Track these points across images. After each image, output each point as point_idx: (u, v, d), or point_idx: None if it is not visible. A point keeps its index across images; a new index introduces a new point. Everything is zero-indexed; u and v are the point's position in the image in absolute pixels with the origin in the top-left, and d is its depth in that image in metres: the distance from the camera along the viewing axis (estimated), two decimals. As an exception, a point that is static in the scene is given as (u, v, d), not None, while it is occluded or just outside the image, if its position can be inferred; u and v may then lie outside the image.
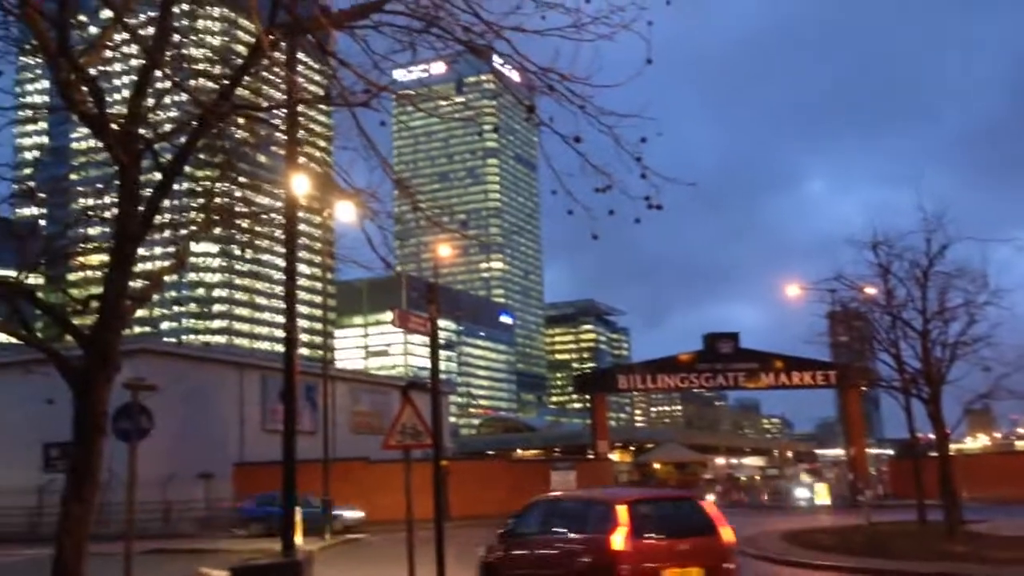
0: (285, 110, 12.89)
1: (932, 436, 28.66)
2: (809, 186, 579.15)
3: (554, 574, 13.04)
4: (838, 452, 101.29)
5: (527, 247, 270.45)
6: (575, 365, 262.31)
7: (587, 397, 68.15)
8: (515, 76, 8.67)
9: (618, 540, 11.93)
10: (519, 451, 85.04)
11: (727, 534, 12.70)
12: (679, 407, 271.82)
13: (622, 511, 12.25)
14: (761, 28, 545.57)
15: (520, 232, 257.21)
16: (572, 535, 13.03)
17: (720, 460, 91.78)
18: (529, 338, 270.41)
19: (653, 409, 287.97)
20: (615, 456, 71.33)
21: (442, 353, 21.39)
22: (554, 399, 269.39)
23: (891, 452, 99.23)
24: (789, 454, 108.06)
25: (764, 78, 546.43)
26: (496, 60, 8.58)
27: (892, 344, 27.38)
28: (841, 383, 54.28)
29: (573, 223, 8.52)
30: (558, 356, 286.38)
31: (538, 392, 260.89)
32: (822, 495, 51.68)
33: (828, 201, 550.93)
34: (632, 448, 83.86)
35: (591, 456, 57.07)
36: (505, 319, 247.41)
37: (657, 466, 69.97)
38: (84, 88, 9.42)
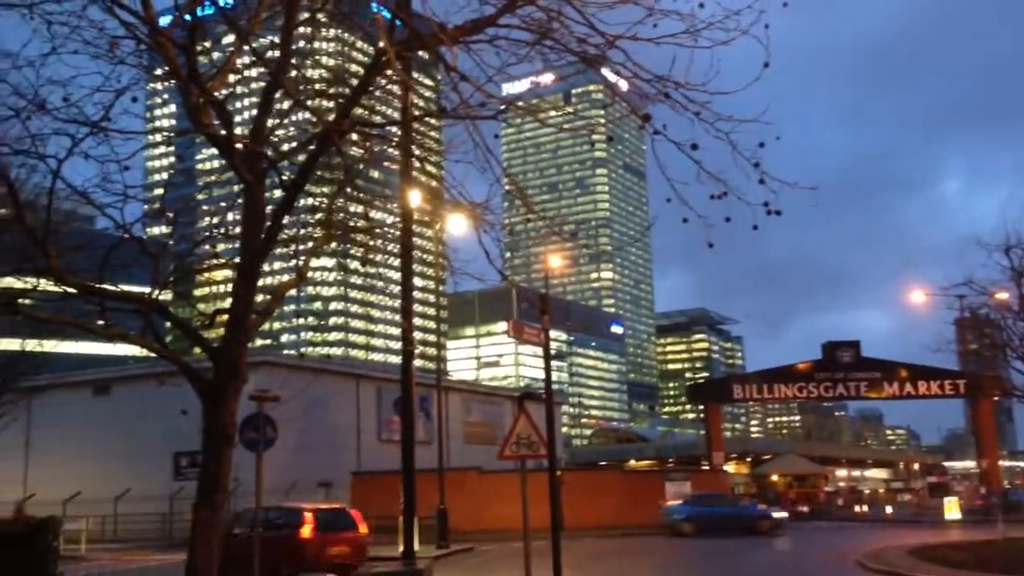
0: (399, 126, 13.16)
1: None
2: (943, 186, 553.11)
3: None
4: (968, 464, 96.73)
5: (637, 256, 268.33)
6: (687, 375, 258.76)
7: (701, 407, 67.11)
8: (624, 85, 8.61)
9: (306, 532, 20.71)
10: (632, 462, 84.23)
11: (363, 529, 22.05)
12: (797, 418, 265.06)
13: (308, 515, 21.18)
14: (890, 22, 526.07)
15: (630, 241, 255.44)
16: (278, 530, 20.24)
17: (841, 472, 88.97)
18: (640, 348, 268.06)
19: (769, 420, 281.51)
20: (731, 467, 69.91)
21: (554, 363, 21.44)
22: (666, 409, 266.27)
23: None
24: (915, 466, 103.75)
25: (894, 74, 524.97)
26: (606, 70, 8.54)
27: (1027, 351, 26.08)
28: (971, 393, 51.91)
29: (685, 232, 8.39)
30: (670, 366, 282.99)
31: (650, 402, 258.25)
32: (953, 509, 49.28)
33: (963, 202, 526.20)
34: (748, 459, 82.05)
35: (706, 467, 56.09)
36: (616, 329, 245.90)
37: (775, 478, 68.22)
38: (211, 111, 9.82)
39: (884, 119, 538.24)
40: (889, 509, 59.48)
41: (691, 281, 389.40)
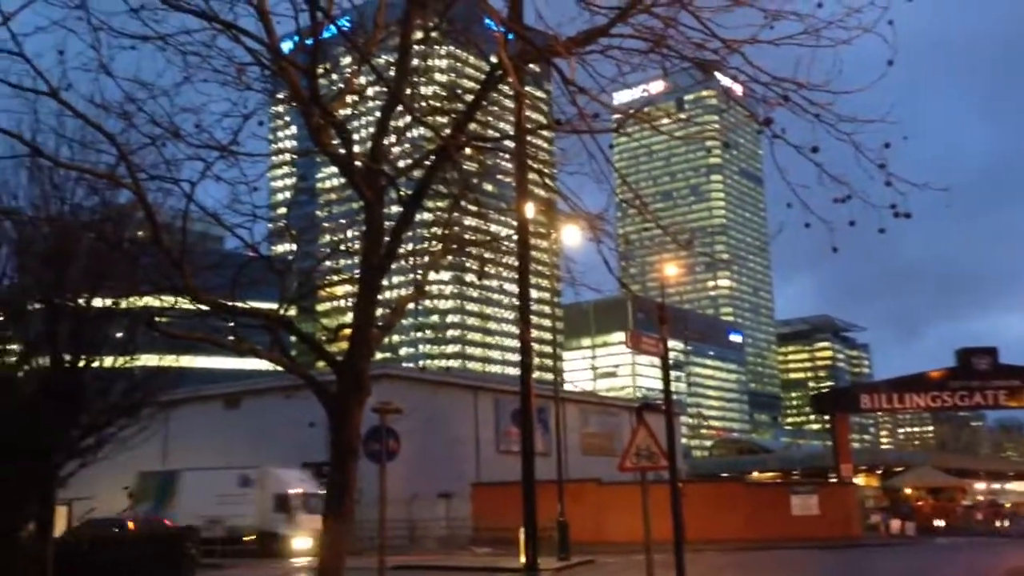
0: (512, 139, 13.28)
1: None
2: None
3: None
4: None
5: (756, 263, 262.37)
6: (811, 384, 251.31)
7: (826, 417, 64.98)
8: (738, 89, 8.45)
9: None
10: (755, 474, 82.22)
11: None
12: (930, 428, 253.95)
13: (131, 523, 27.37)
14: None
15: (752, 251, 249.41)
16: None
17: (980, 485, 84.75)
18: (760, 357, 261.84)
19: (900, 430, 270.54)
20: (860, 480, 67.45)
21: (671, 373, 21.18)
22: (789, 420, 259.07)
23: None
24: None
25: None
26: (722, 75, 8.39)
27: None
28: (1123, 400, 48.69)
29: (808, 236, 8.14)
30: (792, 375, 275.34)
31: (772, 412, 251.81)
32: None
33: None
34: (879, 471, 78.99)
35: (833, 480, 54.25)
36: (735, 338, 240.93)
37: (908, 491, 65.44)
38: (332, 131, 10.12)
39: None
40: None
41: (814, 287, 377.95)
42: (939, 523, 56.57)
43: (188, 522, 35.02)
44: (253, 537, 36.88)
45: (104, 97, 9.36)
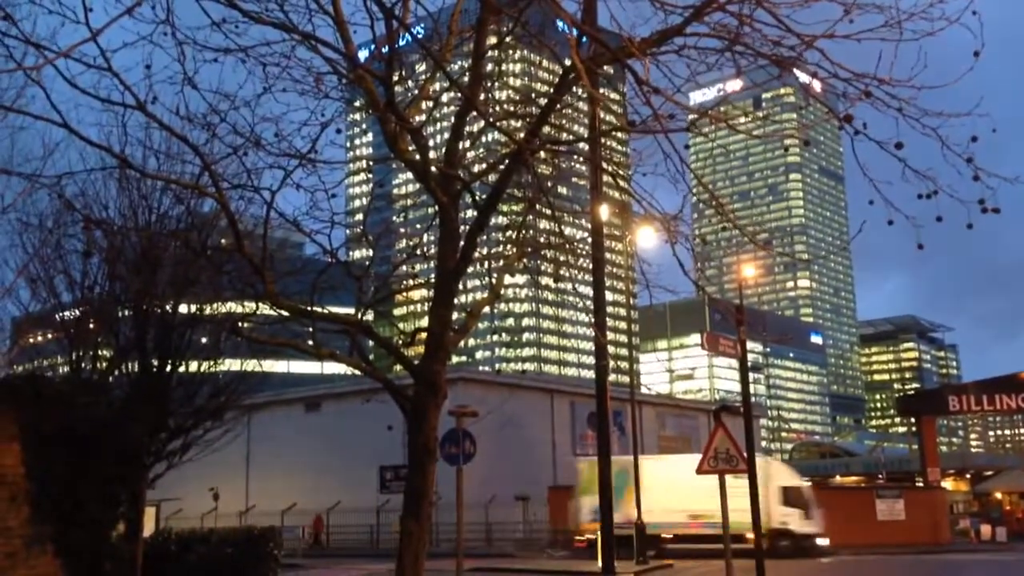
0: (586, 141, 13.25)
1: None
2: None
3: None
4: None
5: (837, 263, 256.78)
6: (896, 386, 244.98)
7: (912, 420, 63.31)
8: (817, 86, 8.27)
9: None
10: (838, 478, 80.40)
11: None
12: (1022, 431, 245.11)
13: None
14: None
15: (833, 250, 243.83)
16: None
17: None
18: (842, 358, 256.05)
19: (991, 433, 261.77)
20: (948, 484, 65.48)
21: (750, 375, 20.89)
22: (873, 422, 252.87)
23: None
24: None
25: None
26: (800, 72, 8.23)
27: None
28: None
29: (892, 234, 7.92)
30: (876, 377, 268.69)
31: (855, 415, 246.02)
32: None
33: None
34: (968, 476, 76.54)
35: (920, 484, 52.79)
36: (815, 339, 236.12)
37: (999, 496, 63.28)
38: (408, 138, 10.24)
39: None
40: None
41: (903, 288, 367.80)
42: (1032, 529, 54.54)
43: (657, 519, 31.50)
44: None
45: (188, 109, 9.62)
